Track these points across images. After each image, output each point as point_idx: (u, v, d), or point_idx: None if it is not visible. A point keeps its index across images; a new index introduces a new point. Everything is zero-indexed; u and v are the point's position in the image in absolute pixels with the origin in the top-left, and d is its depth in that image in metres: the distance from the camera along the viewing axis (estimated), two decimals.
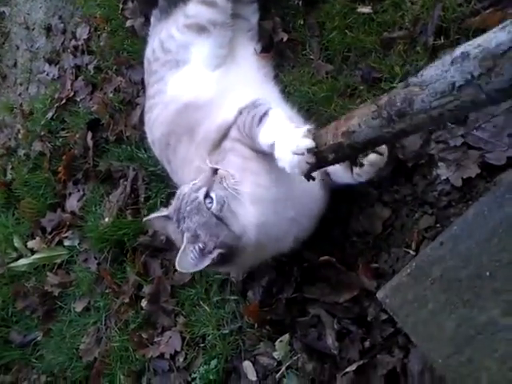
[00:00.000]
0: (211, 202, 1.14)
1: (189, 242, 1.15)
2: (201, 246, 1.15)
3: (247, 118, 1.24)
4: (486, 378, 0.94)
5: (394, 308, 1.07)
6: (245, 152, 1.25)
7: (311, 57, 1.54)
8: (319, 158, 1.02)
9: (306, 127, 1.06)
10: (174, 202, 1.24)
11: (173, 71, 1.50)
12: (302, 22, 1.57)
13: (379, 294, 1.10)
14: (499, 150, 1.17)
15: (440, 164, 1.27)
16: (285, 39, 1.57)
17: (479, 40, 0.75)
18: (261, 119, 1.20)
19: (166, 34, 1.55)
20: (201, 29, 1.47)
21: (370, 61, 1.41)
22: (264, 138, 1.16)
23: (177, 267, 1.16)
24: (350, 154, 1.01)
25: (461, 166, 1.23)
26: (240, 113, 1.30)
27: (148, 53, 1.64)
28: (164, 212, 1.29)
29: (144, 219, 1.39)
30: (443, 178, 1.26)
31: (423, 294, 1.02)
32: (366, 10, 1.42)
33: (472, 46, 0.75)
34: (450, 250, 1.01)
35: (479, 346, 0.95)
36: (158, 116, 1.51)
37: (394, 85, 1.35)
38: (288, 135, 1.08)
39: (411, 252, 1.30)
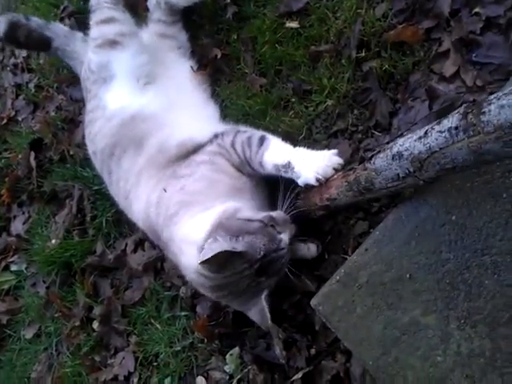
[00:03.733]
0: None
1: None
2: None
3: (238, 139, 1.30)
4: (412, 376, 0.98)
5: (327, 315, 1.10)
6: (224, 166, 1.29)
7: (246, 71, 1.57)
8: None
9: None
10: None
11: (103, 88, 1.51)
12: (235, 37, 1.60)
13: (313, 302, 1.13)
14: None
15: None
16: (219, 56, 1.59)
17: (407, 143, 0.94)
18: (261, 141, 1.27)
19: (88, 56, 1.57)
20: (112, 43, 1.48)
21: (300, 74, 1.45)
22: (272, 158, 1.22)
23: None
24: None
25: None
26: (216, 136, 1.34)
27: (82, 71, 1.66)
28: None
29: None
30: None
31: (352, 300, 1.06)
32: (294, 24, 1.46)
33: (403, 148, 0.94)
34: (374, 255, 1.05)
35: (404, 346, 1.00)
36: (100, 129, 1.51)
37: (323, 98, 1.40)
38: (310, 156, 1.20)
39: (348, 258, 1.34)
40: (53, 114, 2.10)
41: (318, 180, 1.17)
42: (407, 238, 1.02)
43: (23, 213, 2.14)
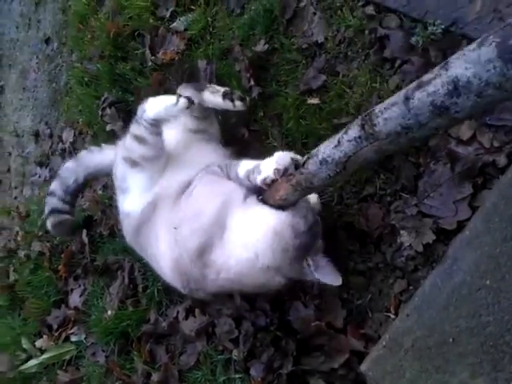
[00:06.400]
0: None
1: None
2: None
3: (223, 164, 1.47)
4: None
5: (377, 380, 1.16)
6: (214, 177, 1.44)
7: (274, 144, 1.71)
8: None
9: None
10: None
11: (122, 197, 1.66)
12: (262, 114, 1.75)
13: (362, 368, 1.19)
14: (449, 215, 1.31)
15: (402, 232, 1.40)
16: (246, 135, 1.74)
17: (327, 151, 1.08)
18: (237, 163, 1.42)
19: (117, 160, 1.67)
20: (133, 163, 1.56)
21: None
22: (246, 165, 1.38)
23: None
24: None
25: (419, 232, 1.36)
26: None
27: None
28: None
29: None
30: (406, 244, 1.39)
31: (400, 364, 1.11)
32: (315, 101, 1.60)
33: (326, 155, 1.08)
34: (415, 320, 1.12)
35: None
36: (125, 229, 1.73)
37: None
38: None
39: (391, 316, 1.40)
40: (100, 192, 2.30)
41: (275, 171, 1.26)
42: (445, 303, 1.08)
43: (79, 286, 2.30)
